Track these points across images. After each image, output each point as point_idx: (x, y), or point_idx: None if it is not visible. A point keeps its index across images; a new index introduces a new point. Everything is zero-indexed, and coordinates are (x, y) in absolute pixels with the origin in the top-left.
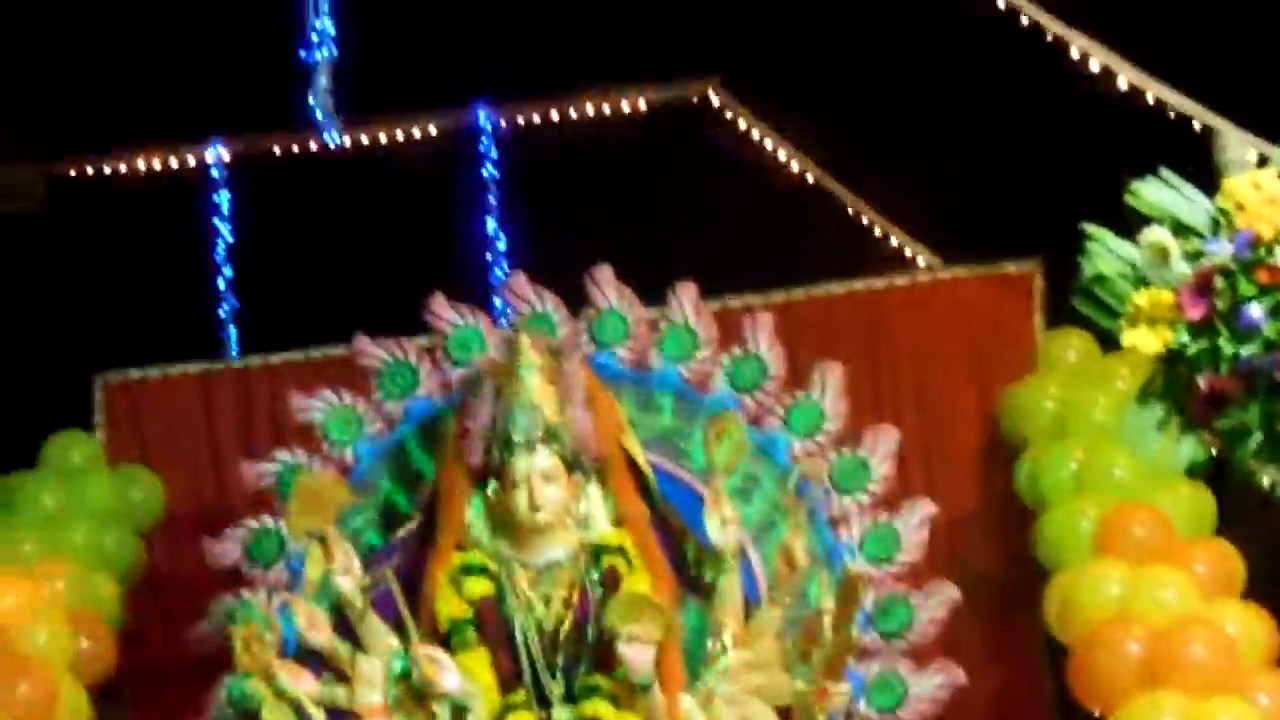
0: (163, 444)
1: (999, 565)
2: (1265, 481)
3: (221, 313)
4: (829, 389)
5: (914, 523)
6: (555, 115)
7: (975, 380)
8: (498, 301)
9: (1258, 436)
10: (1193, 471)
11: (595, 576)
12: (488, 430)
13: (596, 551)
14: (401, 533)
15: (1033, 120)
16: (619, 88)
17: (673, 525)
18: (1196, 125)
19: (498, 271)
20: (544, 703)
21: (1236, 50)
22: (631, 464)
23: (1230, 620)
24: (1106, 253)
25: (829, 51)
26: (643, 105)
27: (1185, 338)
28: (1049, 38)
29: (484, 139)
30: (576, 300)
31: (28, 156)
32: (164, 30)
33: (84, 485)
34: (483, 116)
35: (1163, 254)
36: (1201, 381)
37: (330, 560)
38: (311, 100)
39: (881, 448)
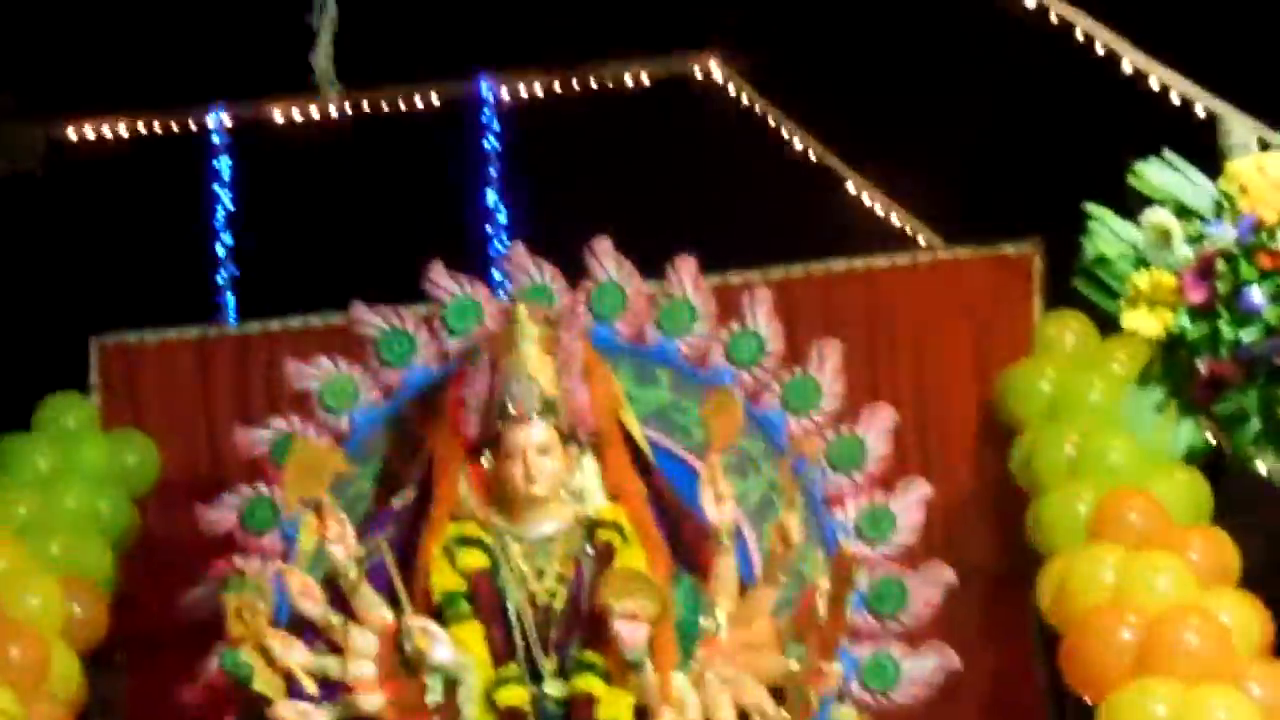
0: (158, 408)
1: (993, 548)
2: (1262, 469)
3: (220, 278)
4: (827, 367)
5: (909, 504)
6: (557, 87)
7: (973, 361)
8: (496, 273)
9: (1256, 422)
10: (1190, 457)
11: (590, 551)
12: (484, 401)
13: (591, 526)
14: (396, 503)
15: (1036, 102)
16: (620, 61)
17: (668, 501)
18: (1200, 109)
19: (497, 243)
20: (536, 677)
21: (1241, 35)
22: (628, 438)
23: (1225, 609)
24: (1108, 233)
25: (831, 27)
26: (644, 78)
27: (1186, 321)
28: (1054, 19)
29: (485, 110)
30: (575, 274)
31: (28, 117)
32: None
33: (78, 448)
34: (484, 87)
35: (1165, 236)
36: (1201, 366)
37: (324, 530)
38: (313, 65)
39: (878, 427)
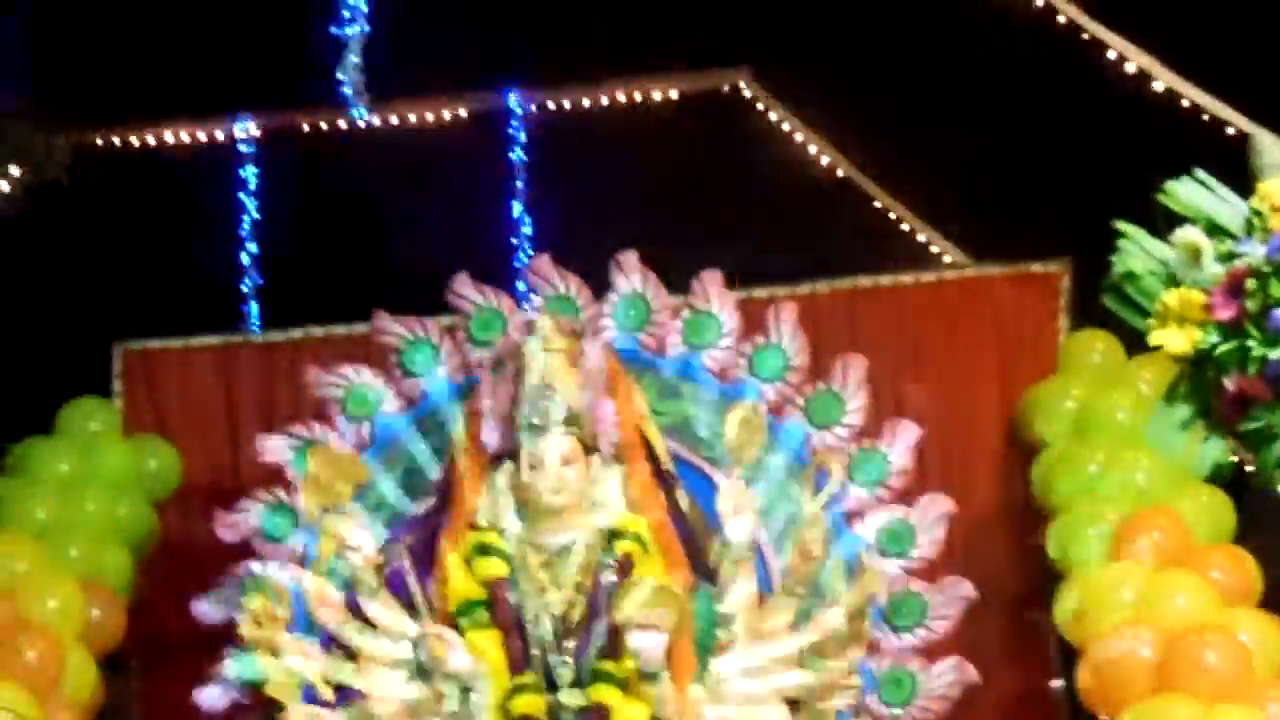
0: (180, 414)
1: (1013, 565)
2: None
3: (244, 287)
4: (850, 382)
5: (930, 519)
6: (585, 102)
7: (998, 379)
8: (521, 285)
9: None
10: (1216, 475)
11: (609, 562)
12: (507, 411)
13: (612, 537)
14: (416, 511)
15: (1067, 121)
16: (649, 76)
17: (689, 513)
18: (1231, 130)
19: (522, 255)
20: (552, 686)
21: (1272, 56)
22: (650, 450)
23: (1245, 629)
24: (1138, 251)
25: (862, 45)
26: (673, 94)
27: (1215, 338)
28: (1085, 38)
29: (513, 123)
30: (600, 287)
31: (56, 125)
32: (197, 3)
33: (100, 453)
34: (512, 100)
35: (1195, 254)
36: (1229, 383)
37: (344, 537)
38: (341, 76)
39: (901, 442)
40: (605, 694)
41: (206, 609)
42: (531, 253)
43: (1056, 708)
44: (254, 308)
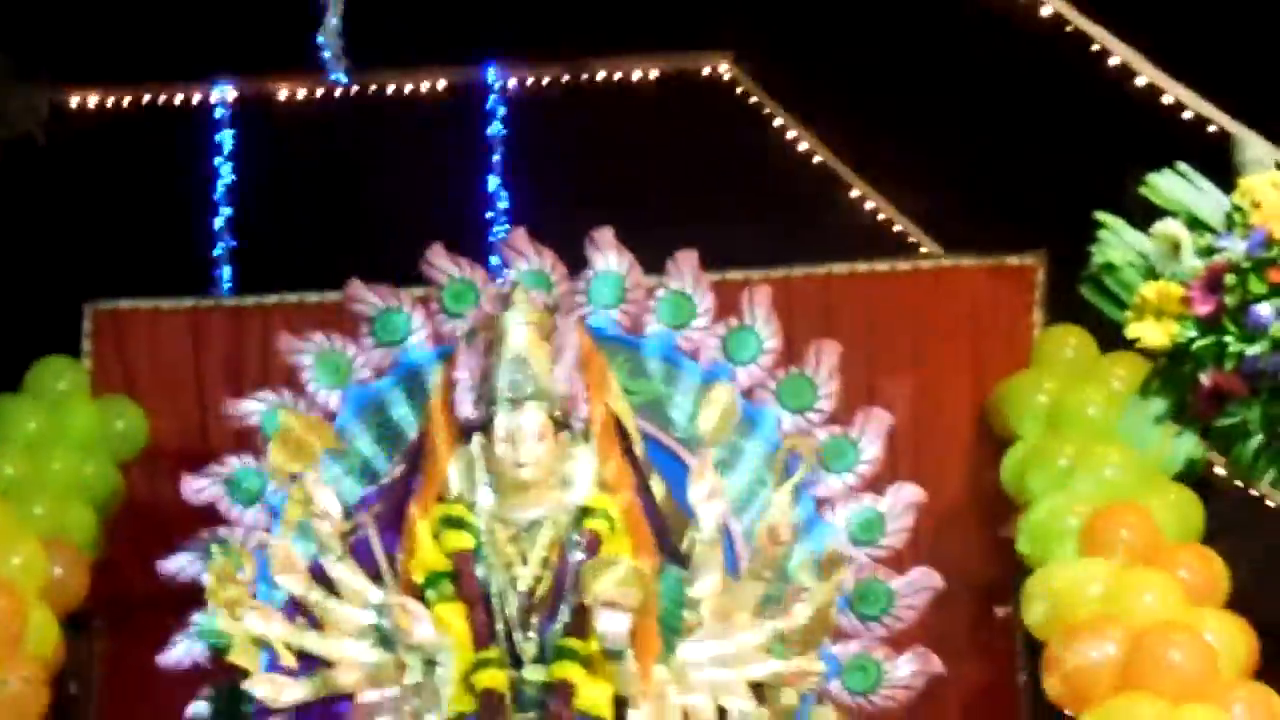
0: (149, 376)
1: (980, 556)
2: (1263, 485)
3: (217, 251)
4: (823, 367)
5: (900, 508)
6: (566, 79)
7: (970, 370)
8: (495, 259)
9: (1259, 438)
10: (1188, 470)
11: (576, 539)
12: (478, 383)
13: (579, 513)
14: (384, 480)
15: (1047, 114)
16: (631, 56)
17: (658, 494)
18: (1212, 127)
19: (496, 229)
20: (516, 662)
21: (1255, 53)
22: (620, 428)
23: (1211, 628)
24: (1118, 242)
25: (841, 32)
26: (654, 74)
27: (1192, 332)
28: (1069, 31)
29: (492, 96)
30: (575, 265)
31: (29, 81)
32: None
33: (67, 412)
34: (491, 74)
35: (1174, 247)
36: (1205, 378)
37: (310, 504)
38: (320, 41)
39: (872, 430)
40: (569, 671)
41: (172, 568)
42: (507, 227)
43: (1020, 701)
44: (226, 271)
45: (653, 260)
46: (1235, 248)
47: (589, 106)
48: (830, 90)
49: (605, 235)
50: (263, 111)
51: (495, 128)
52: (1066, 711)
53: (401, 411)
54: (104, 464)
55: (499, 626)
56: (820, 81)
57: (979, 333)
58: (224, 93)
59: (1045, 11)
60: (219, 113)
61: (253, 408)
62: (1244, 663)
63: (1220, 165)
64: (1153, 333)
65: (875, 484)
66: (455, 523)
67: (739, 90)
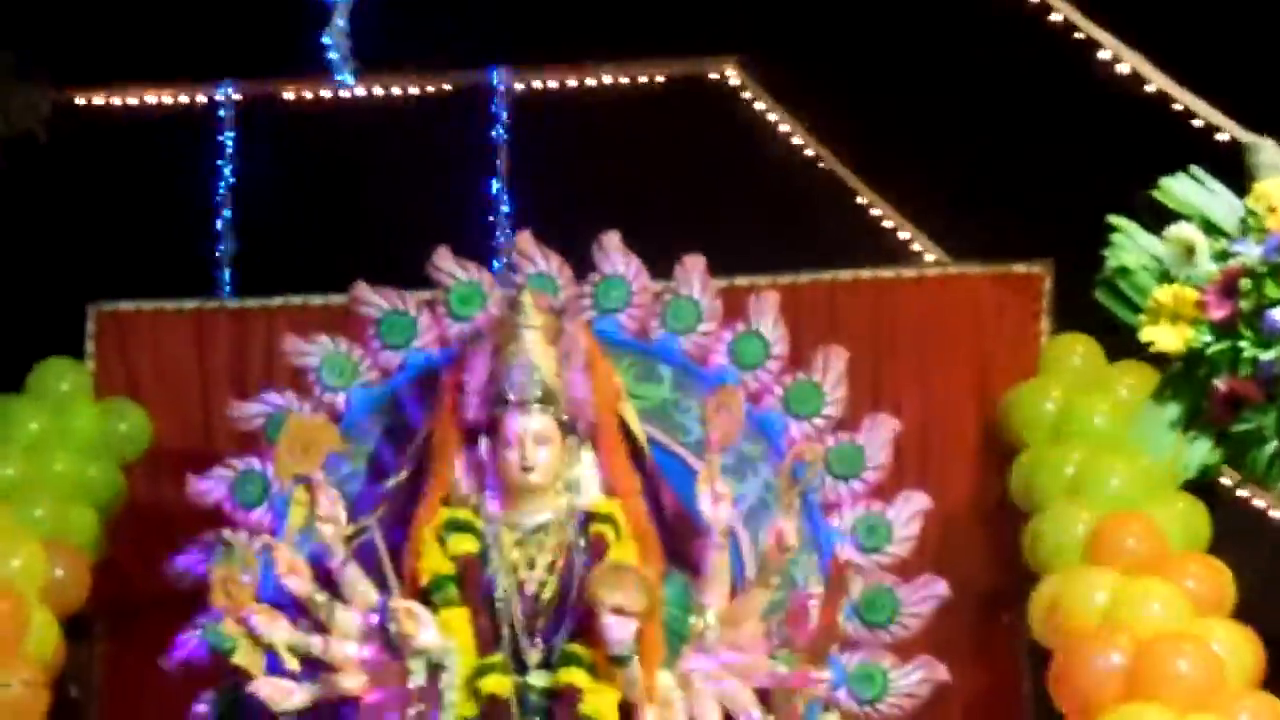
0: (153, 378)
1: (987, 564)
2: (1273, 493)
3: (221, 252)
4: (831, 373)
5: (906, 515)
6: (572, 83)
7: (977, 378)
8: (500, 262)
9: (1274, 444)
10: (1202, 476)
11: (582, 544)
12: (484, 387)
13: (585, 518)
14: (390, 483)
15: (1056, 122)
16: (637, 60)
17: (664, 498)
18: (1221, 135)
19: (502, 233)
20: (521, 667)
21: (1266, 60)
22: (627, 433)
23: (1218, 638)
24: (1132, 246)
25: (849, 40)
26: (661, 79)
27: (1207, 337)
28: (1078, 37)
29: (496, 100)
30: (581, 269)
31: (33, 79)
32: None
33: (70, 414)
34: (497, 77)
35: (1189, 251)
36: (1220, 384)
37: (315, 507)
38: (327, 40)
39: (879, 436)
40: (574, 676)
41: (178, 568)
42: (513, 230)
43: (1025, 710)
44: (229, 273)
45: (659, 265)
46: (1250, 252)
47: (594, 110)
48: (837, 95)
49: (612, 239)
50: (267, 113)
51: (500, 131)
52: None
53: (411, 412)
54: (106, 466)
55: (504, 631)
56: (827, 87)
57: (985, 341)
58: (228, 93)
59: (1054, 17)
60: (223, 113)
61: (257, 409)
62: (1251, 673)
63: (1229, 173)
64: (1167, 337)
65: (881, 491)
66: (461, 527)
67: (745, 95)
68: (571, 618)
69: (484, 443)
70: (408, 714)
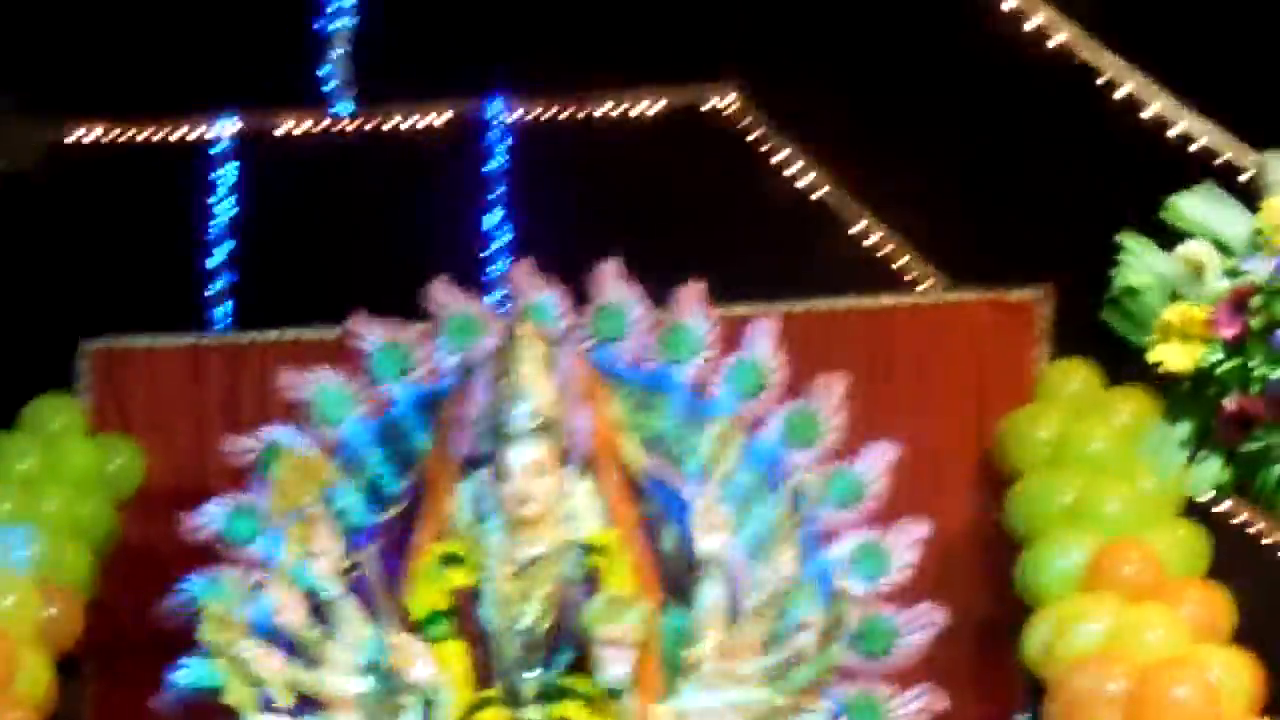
0: (146, 414)
1: (983, 593)
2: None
3: (214, 287)
4: (829, 402)
5: (905, 543)
6: (571, 112)
7: (974, 405)
8: (498, 293)
9: None
10: (1216, 495)
11: (578, 575)
12: (481, 418)
13: (582, 550)
14: (384, 517)
15: (1055, 146)
16: (636, 88)
17: (661, 529)
18: (1221, 160)
19: (500, 263)
20: (517, 700)
21: (1266, 82)
22: (625, 463)
23: (1216, 665)
24: (1140, 265)
25: (848, 68)
26: (658, 107)
27: (1216, 356)
28: (1077, 64)
29: (495, 130)
30: (578, 299)
31: (28, 117)
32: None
33: (63, 451)
34: (495, 107)
35: (1198, 270)
36: (1229, 403)
37: (309, 542)
38: (328, 69)
39: (876, 464)
40: (570, 710)
41: (168, 610)
42: (511, 260)
43: None
44: (225, 307)
45: (657, 294)
46: (1260, 270)
47: (593, 139)
48: (836, 123)
49: (609, 269)
50: (263, 146)
51: (499, 161)
52: None
53: (413, 439)
54: (100, 503)
55: (499, 665)
56: (826, 114)
57: (982, 368)
58: (225, 127)
59: (1053, 43)
60: (219, 147)
61: (252, 444)
62: (1249, 700)
63: (1230, 196)
64: (1176, 357)
65: (877, 519)
66: (455, 560)
67: (744, 122)
68: (567, 651)
69: (482, 474)
70: None
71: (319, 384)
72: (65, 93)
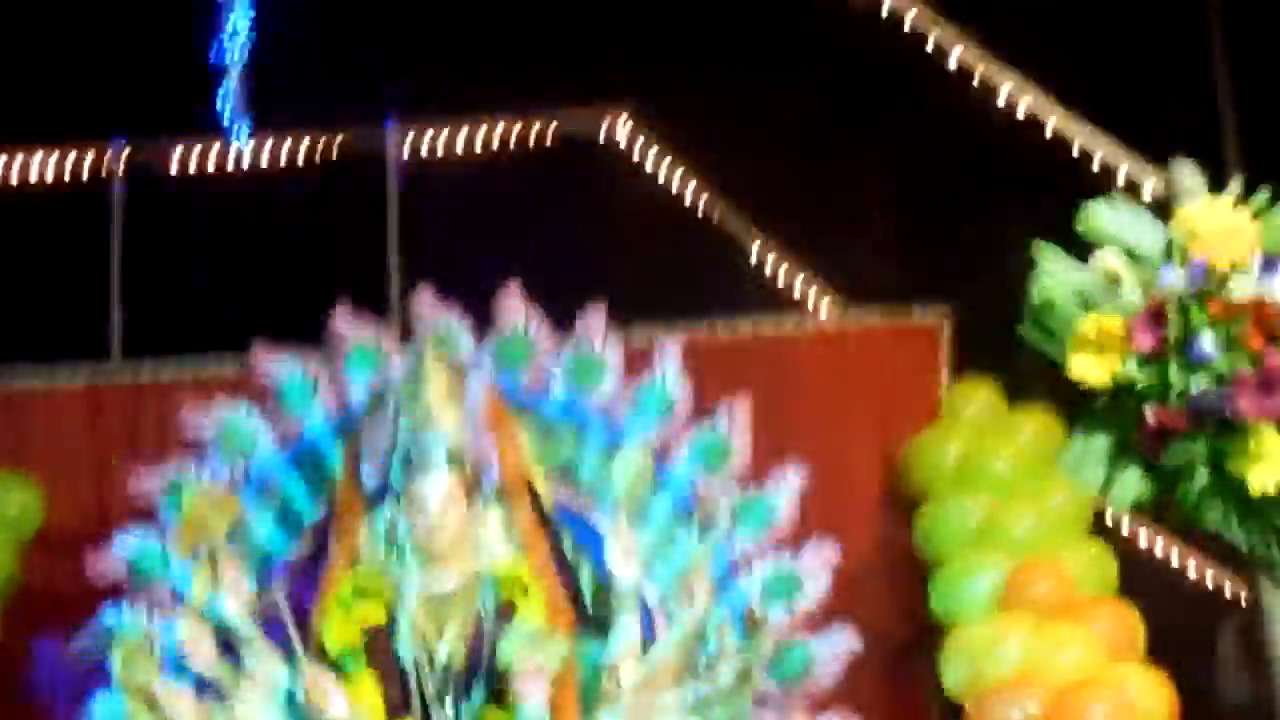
0: (45, 455)
1: (895, 618)
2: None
3: (113, 320)
4: (734, 426)
5: (814, 568)
6: (465, 137)
7: (878, 429)
8: (399, 321)
9: (1204, 474)
10: (1136, 507)
11: (491, 606)
12: (387, 449)
13: (494, 581)
14: (301, 545)
15: (953, 165)
16: (529, 112)
17: (572, 559)
18: (1122, 176)
19: (399, 291)
20: None
21: (1168, 98)
22: (531, 491)
23: (1131, 683)
24: (1055, 277)
25: (738, 90)
26: (553, 133)
27: (1134, 368)
28: (975, 82)
29: (390, 157)
30: (479, 326)
31: None
32: (69, 29)
33: None
34: (390, 134)
35: (1114, 280)
36: (1149, 414)
37: (218, 577)
38: (221, 101)
39: (784, 490)
40: None
41: (74, 653)
42: (409, 288)
43: None
44: (119, 342)
45: (559, 320)
46: (1176, 279)
47: (488, 166)
48: (730, 146)
49: (511, 295)
50: (157, 175)
51: (393, 187)
52: None
53: (327, 468)
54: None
55: (415, 700)
56: (719, 137)
57: (886, 390)
58: (116, 157)
59: (951, 62)
60: (114, 177)
61: (155, 481)
62: (1164, 716)
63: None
64: (1093, 370)
65: (787, 544)
66: (367, 594)
67: (638, 144)
68: (484, 682)
69: (389, 506)
70: None
71: (225, 417)
72: None
